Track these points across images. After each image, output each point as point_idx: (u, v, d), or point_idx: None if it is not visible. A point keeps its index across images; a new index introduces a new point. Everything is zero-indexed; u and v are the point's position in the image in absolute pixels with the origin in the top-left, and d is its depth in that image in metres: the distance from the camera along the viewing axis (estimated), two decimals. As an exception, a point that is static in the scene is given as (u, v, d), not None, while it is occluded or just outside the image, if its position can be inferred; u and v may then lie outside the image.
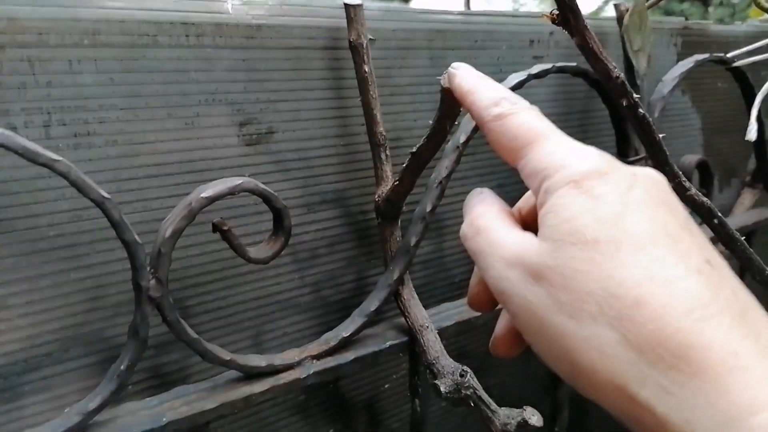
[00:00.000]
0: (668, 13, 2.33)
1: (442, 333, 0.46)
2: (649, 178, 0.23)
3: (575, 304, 0.21)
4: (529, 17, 0.58)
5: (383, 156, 0.46)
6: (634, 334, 0.20)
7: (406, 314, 0.46)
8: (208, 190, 0.34)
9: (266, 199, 0.36)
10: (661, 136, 0.44)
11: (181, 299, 0.42)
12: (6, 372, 0.36)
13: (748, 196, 0.82)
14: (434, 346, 0.44)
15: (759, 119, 0.58)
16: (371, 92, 0.45)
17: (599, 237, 0.21)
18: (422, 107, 0.51)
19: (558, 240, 0.21)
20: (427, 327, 0.45)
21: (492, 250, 0.24)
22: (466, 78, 0.27)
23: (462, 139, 0.45)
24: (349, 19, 0.44)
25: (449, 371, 0.42)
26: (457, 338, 0.59)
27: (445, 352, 0.44)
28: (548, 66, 0.49)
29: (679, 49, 0.71)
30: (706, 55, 0.60)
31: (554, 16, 0.37)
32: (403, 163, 0.41)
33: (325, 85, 0.46)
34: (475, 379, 0.41)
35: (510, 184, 0.60)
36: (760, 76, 0.70)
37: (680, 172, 0.42)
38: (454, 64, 0.28)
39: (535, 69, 0.48)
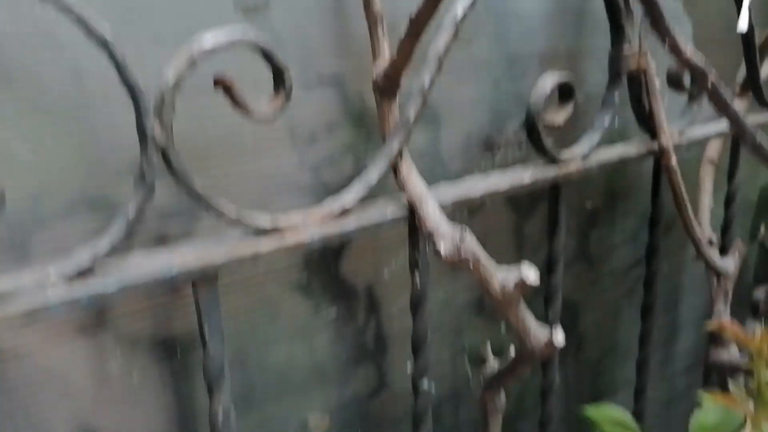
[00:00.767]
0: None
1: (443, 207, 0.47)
2: None
3: None
4: None
5: (380, 31, 0.46)
6: None
7: (405, 187, 0.47)
8: (209, 41, 0.34)
9: (266, 55, 0.37)
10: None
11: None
12: (15, 227, 0.37)
13: (738, 106, 0.83)
14: (434, 215, 0.45)
15: (749, 10, 0.59)
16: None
17: None
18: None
19: None
20: (426, 197, 0.46)
21: None
22: None
23: (459, 12, 0.45)
24: None
25: (449, 234, 0.43)
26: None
27: (445, 218, 0.45)
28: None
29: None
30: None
31: None
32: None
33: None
34: (474, 240, 0.43)
35: (505, 80, 0.60)
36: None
37: (673, 29, 0.43)
38: None
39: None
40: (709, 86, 0.45)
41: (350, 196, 0.44)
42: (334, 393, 0.57)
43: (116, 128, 0.39)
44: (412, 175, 0.47)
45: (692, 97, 0.68)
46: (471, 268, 0.43)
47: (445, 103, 0.57)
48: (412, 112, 0.45)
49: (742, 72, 0.79)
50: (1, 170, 0.36)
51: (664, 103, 0.60)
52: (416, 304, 0.51)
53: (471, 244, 0.42)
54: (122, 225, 0.35)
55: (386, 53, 0.46)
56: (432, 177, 0.58)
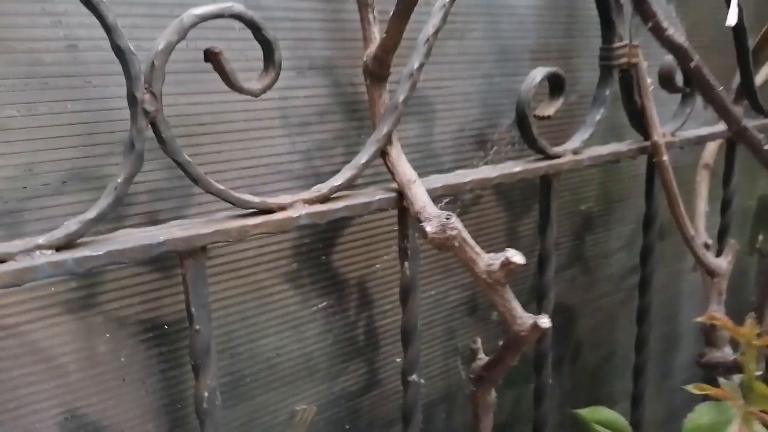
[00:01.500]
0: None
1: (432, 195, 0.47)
2: None
3: None
4: None
5: (371, 17, 0.47)
6: None
7: (394, 172, 0.47)
8: (199, 10, 0.35)
9: (255, 27, 0.38)
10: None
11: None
12: (7, 196, 0.38)
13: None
14: (421, 197, 0.45)
15: (740, 8, 0.60)
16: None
17: None
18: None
19: None
20: (415, 181, 0.46)
21: None
22: None
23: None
24: None
25: (435, 215, 0.44)
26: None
27: (431, 202, 0.45)
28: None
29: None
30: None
31: None
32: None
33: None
34: (459, 222, 0.43)
35: (497, 74, 0.61)
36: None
37: (658, 11, 0.43)
38: None
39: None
40: (693, 67, 0.46)
41: (340, 178, 0.45)
42: (324, 386, 0.57)
43: (111, 103, 0.40)
44: (401, 161, 0.47)
45: (685, 98, 0.69)
46: (456, 248, 0.43)
47: (437, 97, 0.57)
48: (401, 96, 0.46)
49: (737, 79, 0.80)
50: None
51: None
52: (406, 293, 0.51)
53: (457, 226, 0.43)
54: (111, 193, 0.35)
55: (376, 38, 0.46)
56: (424, 171, 0.59)
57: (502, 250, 0.42)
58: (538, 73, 0.54)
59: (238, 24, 0.38)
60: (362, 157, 0.45)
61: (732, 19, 0.58)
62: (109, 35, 0.33)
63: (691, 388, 0.51)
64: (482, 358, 0.54)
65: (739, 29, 0.65)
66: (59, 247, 0.35)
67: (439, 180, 0.50)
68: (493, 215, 0.66)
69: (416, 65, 0.46)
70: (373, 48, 0.46)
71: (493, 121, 0.62)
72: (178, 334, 0.46)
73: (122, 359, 0.45)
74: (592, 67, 0.60)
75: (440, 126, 0.58)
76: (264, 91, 0.39)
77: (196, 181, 0.38)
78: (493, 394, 0.55)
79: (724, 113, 0.50)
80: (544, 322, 0.43)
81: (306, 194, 0.44)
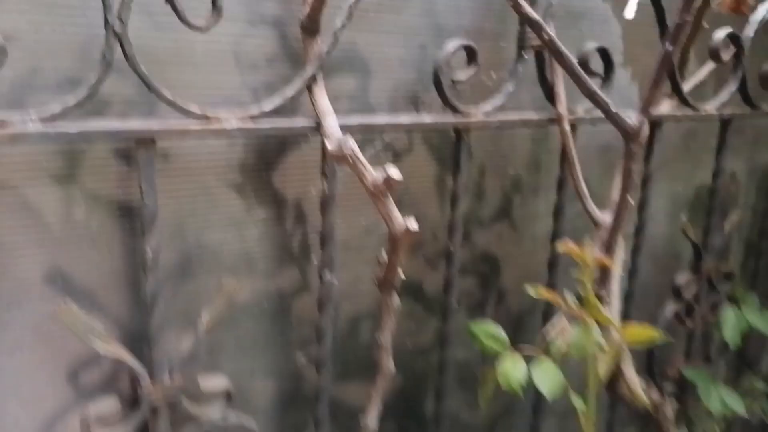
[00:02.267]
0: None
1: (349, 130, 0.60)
2: None
3: None
4: None
5: (309, -16, 0.60)
6: None
7: (315, 105, 0.60)
8: (161, -37, 0.49)
9: (204, -20, 0.51)
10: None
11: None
12: (16, 86, 0.52)
13: (667, 106, 0.94)
14: (332, 125, 0.58)
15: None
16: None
17: None
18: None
19: None
20: (330, 114, 0.59)
21: None
22: None
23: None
24: None
25: (337, 137, 0.56)
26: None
27: (339, 129, 0.58)
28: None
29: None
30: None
31: None
32: None
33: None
34: (355, 144, 0.56)
35: (432, 47, 0.73)
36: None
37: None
38: None
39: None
40: (546, 38, 0.57)
41: (269, 103, 0.58)
42: (261, 283, 0.70)
43: (97, 30, 0.54)
44: (322, 96, 0.60)
45: (604, 82, 0.80)
46: (351, 164, 0.56)
47: (375, 61, 0.70)
48: (325, 47, 0.59)
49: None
50: (11, 45, 0.51)
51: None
52: (325, 205, 0.64)
53: (352, 146, 0.55)
54: (86, 89, 0.50)
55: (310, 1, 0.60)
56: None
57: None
58: (453, 44, 0.66)
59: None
60: (289, 89, 0.59)
61: (630, 12, 0.69)
62: (92, -26, 0.47)
63: (531, 291, 0.62)
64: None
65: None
66: (46, 121, 0.49)
67: (356, 119, 0.63)
68: (423, 166, 0.78)
69: (339, 25, 0.58)
70: (307, 8, 0.59)
71: (426, 85, 0.74)
72: (138, 211, 0.60)
73: (94, 228, 0.59)
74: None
75: (376, 84, 0.71)
76: (208, 28, 0.53)
77: (150, 88, 0.52)
78: (397, 299, 0.67)
79: (574, 76, 0.59)
80: (412, 225, 0.56)
81: (240, 112, 0.57)
